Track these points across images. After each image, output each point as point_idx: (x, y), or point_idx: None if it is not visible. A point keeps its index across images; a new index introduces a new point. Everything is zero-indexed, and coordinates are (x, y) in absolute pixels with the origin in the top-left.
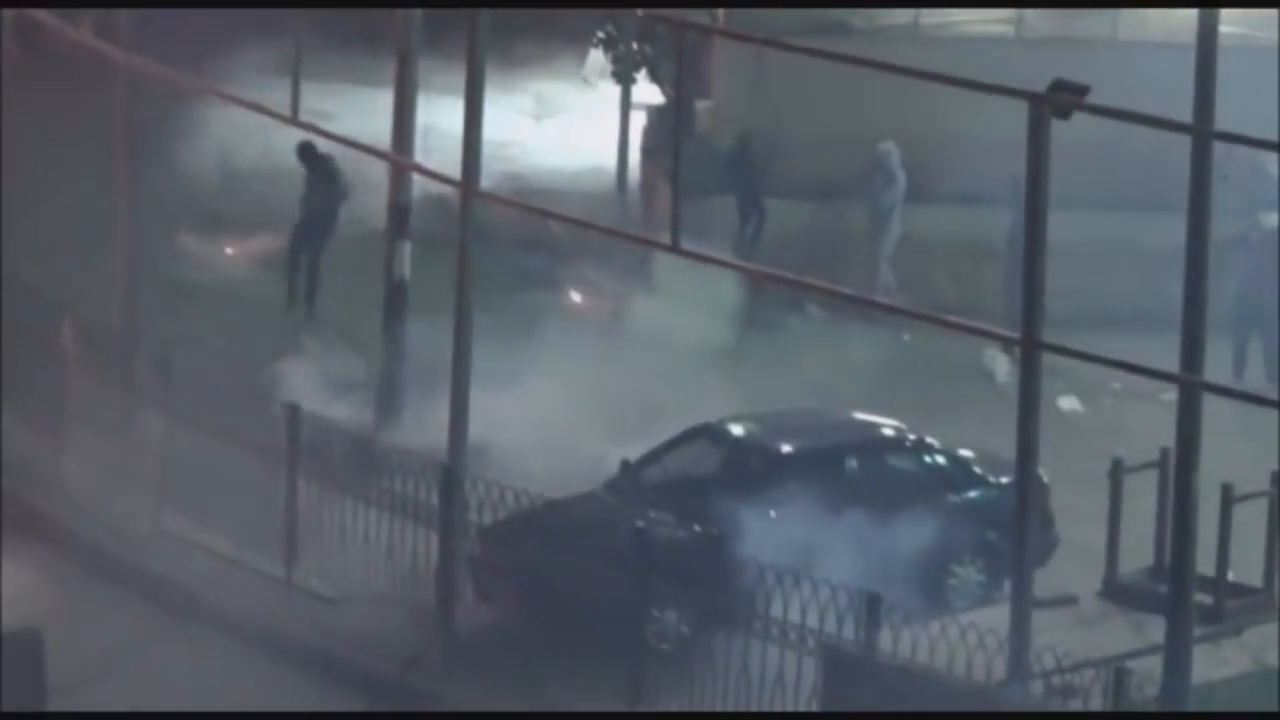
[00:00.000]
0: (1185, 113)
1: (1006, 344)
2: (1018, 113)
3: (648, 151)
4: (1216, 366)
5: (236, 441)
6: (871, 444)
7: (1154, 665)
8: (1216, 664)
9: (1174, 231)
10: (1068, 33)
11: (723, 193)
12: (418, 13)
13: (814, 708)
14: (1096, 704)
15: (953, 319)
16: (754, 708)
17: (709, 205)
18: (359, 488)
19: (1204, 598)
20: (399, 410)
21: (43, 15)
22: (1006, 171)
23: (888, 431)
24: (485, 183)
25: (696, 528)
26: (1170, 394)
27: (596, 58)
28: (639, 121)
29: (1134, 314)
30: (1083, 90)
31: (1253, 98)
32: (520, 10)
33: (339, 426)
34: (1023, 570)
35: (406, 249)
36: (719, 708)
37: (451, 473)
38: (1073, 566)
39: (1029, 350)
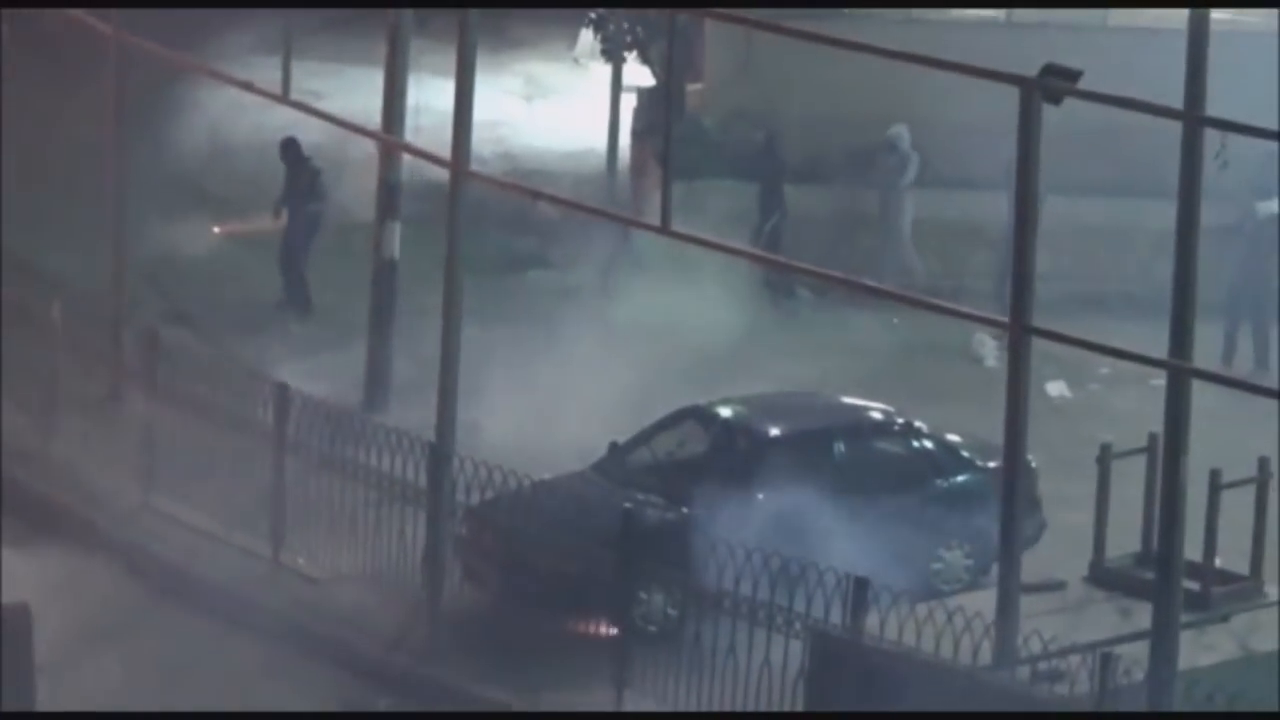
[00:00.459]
0: (1176, 98)
1: (996, 328)
2: (1009, 97)
3: (638, 133)
4: (1208, 352)
5: (224, 419)
6: (859, 428)
7: (1140, 651)
8: (1203, 650)
9: (1169, 217)
10: (1059, 18)
11: (719, 177)
12: None
13: (800, 691)
14: (1083, 689)
15: (942, 303)
16: (740, 690)
17: (698, 187)
18: (347, 467)
19: (1191, 584)
20: (387, 390)
21: None
22: (999, 156)
23: (876, 415)
24: (475, 163)
25: (684, 510)
26: (1159, 379)
27: (587, 39)
28: (630, 103)
29: (1124, 299)
30: (1074, 75)
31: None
32: None
33: (327, 405)
34: (1010, 555)
35: (396, 229)
36: (705, 690)
37: (439, 452)
38: (1060, 551)
39: (1018, 335)
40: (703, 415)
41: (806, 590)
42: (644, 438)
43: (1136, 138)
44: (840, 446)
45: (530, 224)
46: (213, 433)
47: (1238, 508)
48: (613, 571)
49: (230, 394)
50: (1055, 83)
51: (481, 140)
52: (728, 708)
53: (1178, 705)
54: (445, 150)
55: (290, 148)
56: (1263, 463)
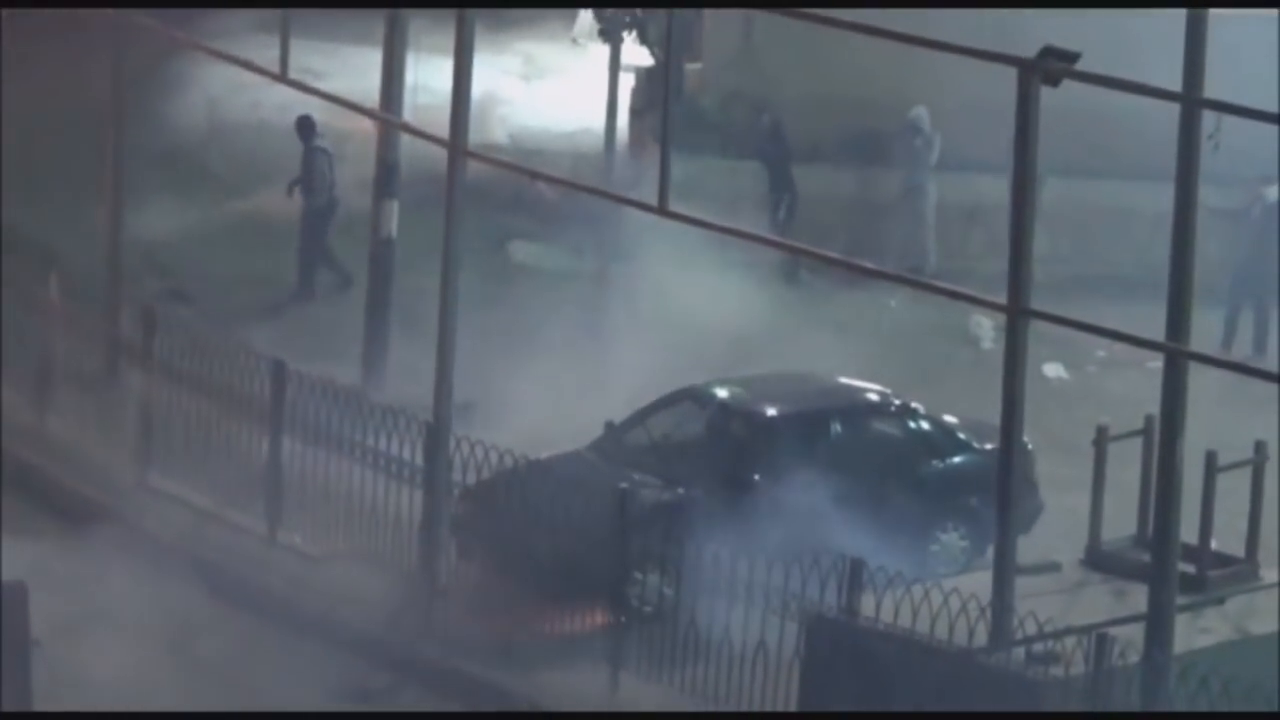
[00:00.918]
0: (1175, 80)
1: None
2: (1009, 78)
3: (636, 113)
4: (1207, 335)
5: (222, 397)
6: (856, 409)
7: (1136, 633)
8: (1198, 633)
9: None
10: None
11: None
12: None
13: (796, 672)
14: (1078, 671)
15: (940, 284)
16: (735, 671)
17: (696, 166)
18: (344, 445)
19: (1187, 566)
20: (384, 368)
21: None
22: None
23: (873, 396)
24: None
25: (680, 490)
26: (1156, 362)
27: (586, 18)
28: (628, 83)
29: (1122, 281)
30: (1072, 57)
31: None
32: None
33: (324, 383)
34: (1006, 537)
35: (394, 208)
36: (700, 671)
37: (436, 431)
38: (1056, 533)
39: (1015, 317)
40: (699, 396)
41: (802, 571)
42: (640, 417)
43: (1135, 119)
44: (837, 427)
45: (526, 203)
46: (210, 410)
47: (1234, 491)
48: (608, 551)
49: (227, 372)
50: (1053, 64)
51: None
52: (723, 689)
53: (1173, 688)
54: (443, 129)
55: (305, 126)
56: (1259, 446)
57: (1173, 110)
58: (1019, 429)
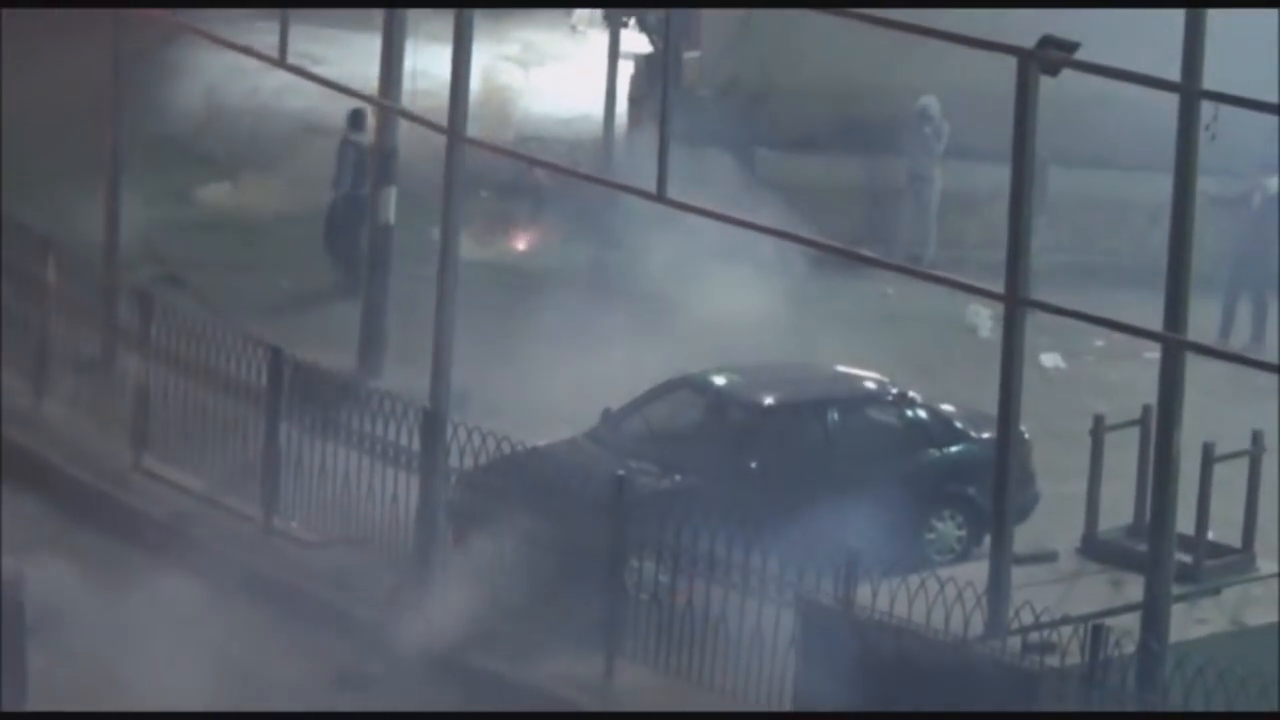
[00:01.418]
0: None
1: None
2: (1006, 67)
3: (635, 100)
4: (1205, 325)
5: (218, 382)
6: (854, 397)
7: (1132, 623)
8: (1194, 623)
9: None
10: None
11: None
12: None
13: (791, 660)
14: (1074, 660)
15: (938, 273)
16: (731, 659)
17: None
18: (340, 431)
19: (1183, 556)
20: (382, 354)
21: None
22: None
23: (870, 385)
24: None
25: (677, 478)
26: (1153, 352)
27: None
28: (627, 70)
29: (1119, 270)
30: (1071, 46)
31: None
32: None
33: (321, 369)
34: (1002, 526)
35: (392, 194)
36: (696, 659)
37: (433, 417)
38: (1052, 523)
39: (1013, 307)
40: (696, 384)
41: (799, 560)
42: (638, 405)
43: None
44: (834, 416)
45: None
46: (206, 396)
47: (1231, 481)
48: (605, 538)
49: (224, 356)
50: (1052, 54)
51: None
52: (719, 677)
53: (1168, 678)
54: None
55: (356, 120)
56: (1256, 436)
57: (1171, 100)
58: (1016, 418)
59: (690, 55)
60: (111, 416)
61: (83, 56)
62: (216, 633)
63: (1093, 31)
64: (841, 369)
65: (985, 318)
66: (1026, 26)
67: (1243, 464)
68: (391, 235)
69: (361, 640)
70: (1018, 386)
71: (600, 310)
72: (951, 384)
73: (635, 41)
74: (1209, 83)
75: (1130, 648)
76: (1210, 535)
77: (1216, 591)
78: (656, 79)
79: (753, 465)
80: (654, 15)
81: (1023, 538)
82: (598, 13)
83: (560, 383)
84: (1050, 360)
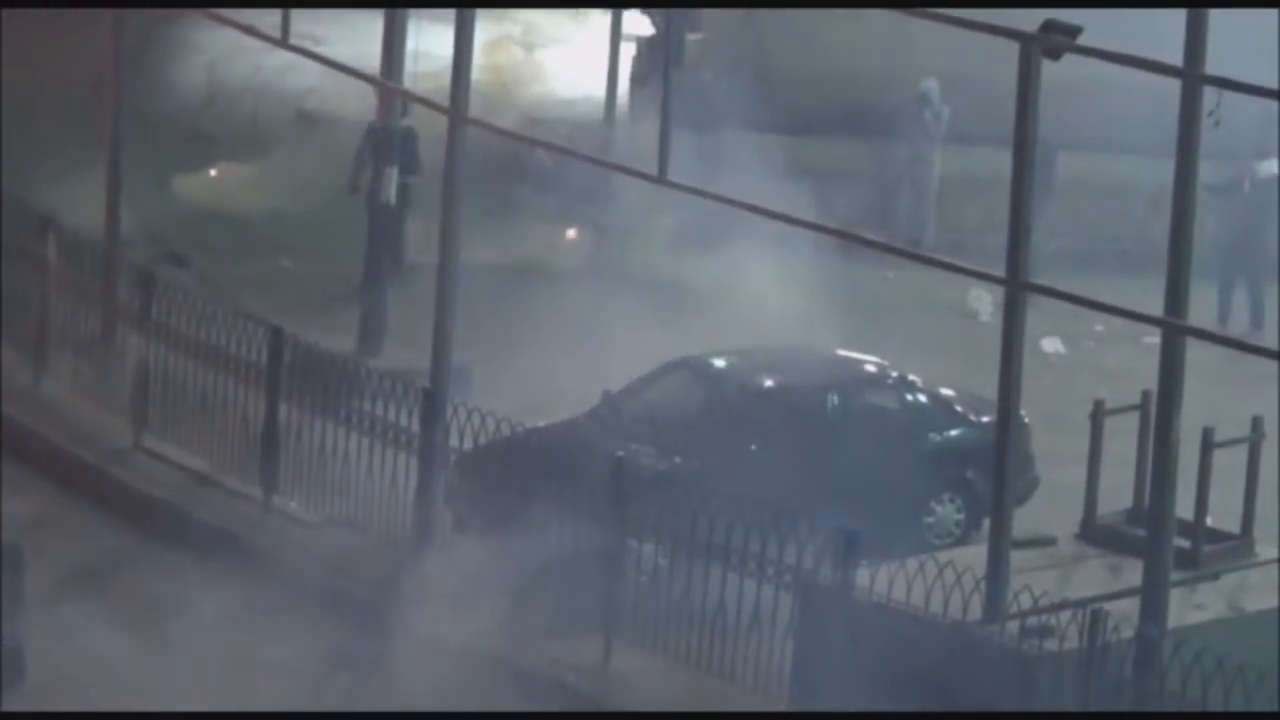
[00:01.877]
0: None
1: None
2: (1008, 51)
3: (637, 82)
4: (1205, 311)
5: (218, 361)
6: (853, 381)
7: (1131, 608)
8: (1193, 608)
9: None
10: None
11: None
12: None
13: (790, 643)
14: (1072, 645)
15: (939, 257)
16: (730, 642)
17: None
18: (340, 411)
19: (1182, 542)
20: (382, 334)
21: None
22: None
23: (870, 369)
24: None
25: (677, 460)
26: (1153, 337)
27: None
28: (629, 52)
29: (1120, 255)
30: (1074, 31)
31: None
32: None
33: (322, 349)
34: (1001, 510)
35: (394, 174)
36: (694, 641)
37: (433, 398)
38: (1051, 507)
39: (1014, 291)
40: (696, 366)
41: (798, 542)
42: (638, 387)
43: (1133, 93)
44: (834, 399)
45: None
46: (206, 375)
47: (1230, 467)
48: (604, 520)
49: (224, 336)
50: (1055, 38)
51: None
52: (717, 659)
53: (1166, 663)
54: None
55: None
56: (1256, 422)
57: (1172, 85)
58: (1016, 402)
59: (693, 37)
60: (112, 395)
61: (85, 35)
62: (213, 612)
63: (1094, 16)
64: (842, 352)
65: (986, 302)
66: (1029, 11)
67: (1242, 450)
68: (394, 215)
69: (359, 621)
70: (1018, 371)
71: (599, 291)
72: (951, 368)
73: (638, 23)
74: (1210, 68)
75: (1129, 633)
76: (1209, 521)
77: (1215, 577)
78: (659, 61)
79: (752, 448)
80: None
81: (1022, 522)
82: None
83: (559, 364)
84: (1050, 345)
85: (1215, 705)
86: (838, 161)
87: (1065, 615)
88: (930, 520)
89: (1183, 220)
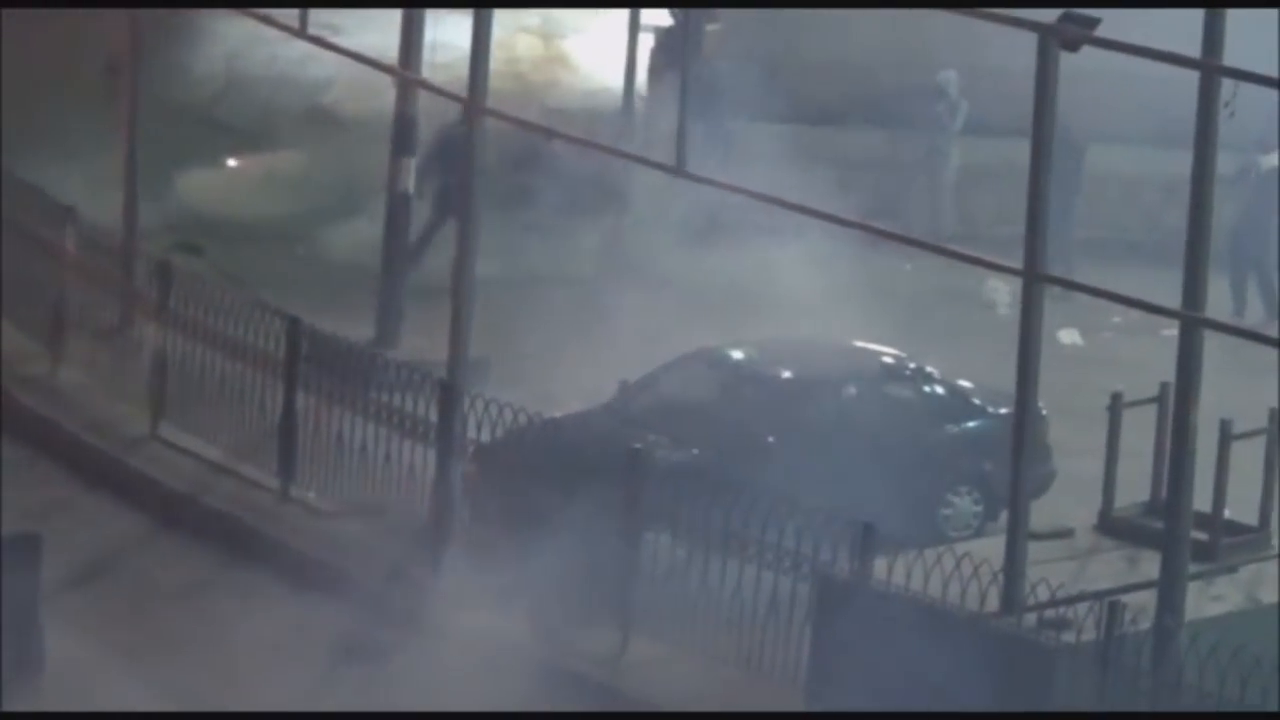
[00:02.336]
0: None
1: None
2: (1025, 43)
3: (655, 72)
4: (1220, 302)
5: (235, 351)
6: (871, 372)
7: (1148, 600)
8: (1210, 600)
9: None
10: None
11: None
12: None
13: (807, 634)
14: (1089, 637)
15: (956, 249)
16: (747, 633)
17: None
18: (357, 401)
19: (1199, 534)
20: (399, 325)
21: None
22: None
23: (887, 360)
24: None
25: (694, 451)
26: (1171, 329)
27: None
28: (647, 43)
29: (1137, 247)
30: (1092, 22)
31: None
32: None
33: (339, 339)
34: (1019, 502)
35: (411, 165)
36: (711, 633)
37: (450, 389)
38: (1069, 499)
39: (1031, 282)
40: (713, 357)
41: (814, 534)
42: (654, 379)
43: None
44: (851, 390)
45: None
46: (223, 364)
47: (1248, 459)
48: (620, 511)
49: (241, 326)
50: (1073, 29)
51: (497, 77)
52: (733, 651)
53: (1183, 655)
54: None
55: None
56: (1274, 414)
57: (1188, 76)
58: (1033, 394)
59: (711, 27)
60: (128, 384)
61: (102, 23)
62: (229, 601)
63: (1112, 7)
64: (858, 343)
65: (1004, 293)
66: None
67: (1260, 442)
68: (410, 204)
69: (374, 611)
70: (1035, 362)
71: (616, 283)
72: (969, 359)
73: (656, 14)
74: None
75: (1145, 625)
76: (1227, 513)
77: (1233, 569)
78: (677, 52)
79: (769, 439)
80: None
81: (1039, 514)
82: None
83: (577, 355)
84: (1068, 336)
85: (1232, 698)
86: (856, 151)
87: (1082, 607)
88: (947, 512)
89: (1200, 211)
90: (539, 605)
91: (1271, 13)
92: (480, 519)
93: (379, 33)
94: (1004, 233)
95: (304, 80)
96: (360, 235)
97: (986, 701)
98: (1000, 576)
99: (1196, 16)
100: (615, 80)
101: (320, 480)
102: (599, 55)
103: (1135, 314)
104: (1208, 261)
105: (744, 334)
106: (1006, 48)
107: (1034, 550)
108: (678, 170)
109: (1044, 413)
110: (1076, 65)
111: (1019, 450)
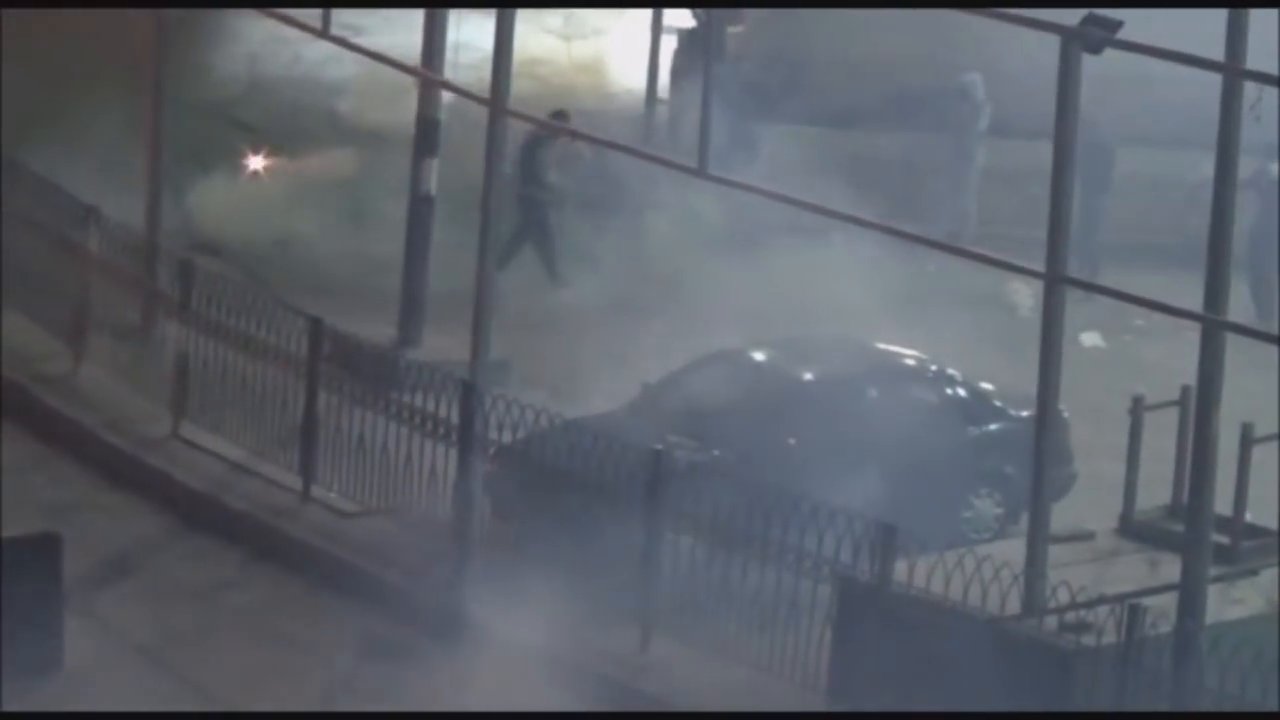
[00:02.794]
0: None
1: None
2: (1050, 43)
3: (678, 74)
4: (1241, 306)
5: (257, 351)
6: (893, 373)
7: (1168, 603)
8: (1231, 604)
9: (1205, 168)
10: None
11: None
12: None
13: (828, 636)
14: (1110, 640)
15: (978, 251)
16: (767, 635)
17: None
18: (379, 402)
19: (1220, 537)
20: (421, 324)
21: None
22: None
23: (909, 361)
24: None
25: (715, 452)
26: (1193, 332)
27: None
28: (670, 44)
29: (1159, 249)
30: (1114, 25)
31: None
32: None
33: (361, 339)
34: (1040, 504)
35: (434, 165)
36: (732, 633)
37: (471, 389)
38: (1090, 502)
39: (1053, 285)
40: (735, 358)
41: (835, 535)
42: (676, 379)
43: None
44: (873, 392)
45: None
46: (245, 364)
47: (1269, 462)
48: (642, 512)
49: (263, 326)
50: (1095, 32)
51: (520, 78)
52: (754, 653)
53: (1204, 658)
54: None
55: (559, 115)
56: None
57: (1206, 78)
58: (1055, 396)
59: (734, 29)
60: (150, 383)
61: (127, 24)
62: (250, 600)
63: (1134, 9)
64: (881, 345)
65: (1026, 296)
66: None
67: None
68: (433, 205)
69: (395, 610)
70: (1057, 365)
71: (639, 282)
72: (990, 362)
73: (678, 16)
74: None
75: (1166, 628)
76: (1248, 516)
77: (1254, 573)
78: (700, 53)
79: (791, 440)
80: None
81: (1060, 517)
82: None
83: (599, 355)
84: (1090, 339)
85: (1253, 701)
86: (879, 153)
87: (1103, 610)
88: (969, 514)
89: (1222, 215)
90: (560, 605)
91: (1272, 13)
92: (501, 519)
93: (401, 33)
94: (1027, 235)
95: (326, 81)
96: (381, 236)
97: (1007, 704)
98: (1021, 579)
99: (1221, 17)
100: (638, 82)
101: (341, 480)
102: (622, 57)
103: (1158, 316)
104: (1229, 263)
105: (765, 333)
106: (1032, 50)
107: (1055, 553)
108: (699, 172)
109: (1065, 415)
110: (1101, 67)
111: (1040, 453)
